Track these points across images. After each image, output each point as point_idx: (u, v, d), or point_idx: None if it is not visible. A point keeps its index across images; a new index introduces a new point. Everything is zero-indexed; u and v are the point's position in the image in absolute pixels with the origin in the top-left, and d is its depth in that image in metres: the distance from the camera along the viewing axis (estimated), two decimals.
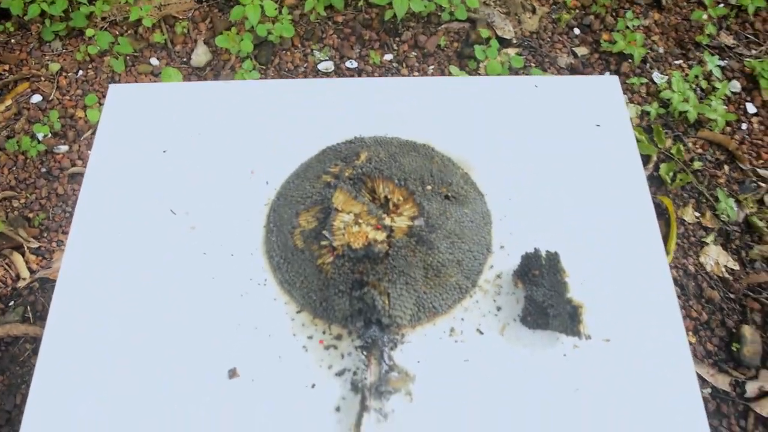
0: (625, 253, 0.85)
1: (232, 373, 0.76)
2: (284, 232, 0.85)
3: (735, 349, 1.34)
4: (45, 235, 1.44)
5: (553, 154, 0.95)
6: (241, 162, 0.95)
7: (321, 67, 1.78)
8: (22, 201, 1.50)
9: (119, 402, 0.74)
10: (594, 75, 1.79)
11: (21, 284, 1.36)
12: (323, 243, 0.80)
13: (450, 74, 1.75)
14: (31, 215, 1.47)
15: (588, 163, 0.94)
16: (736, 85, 1.81)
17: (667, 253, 1.45)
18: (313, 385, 0.76)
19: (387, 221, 0.81)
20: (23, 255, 1.40)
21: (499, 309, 0.81)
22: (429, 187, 0.86)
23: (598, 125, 0.99)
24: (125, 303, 0.82)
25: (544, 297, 0.76)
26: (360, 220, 0.80)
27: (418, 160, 0.90)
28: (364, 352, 0.76)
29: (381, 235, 0.78)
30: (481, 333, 0.79)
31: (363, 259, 0.77)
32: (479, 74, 1.76)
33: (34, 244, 1.42)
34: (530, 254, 0.80)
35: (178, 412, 0.74)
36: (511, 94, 1.02)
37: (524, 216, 0.89)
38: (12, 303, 1.34)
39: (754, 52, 1.89)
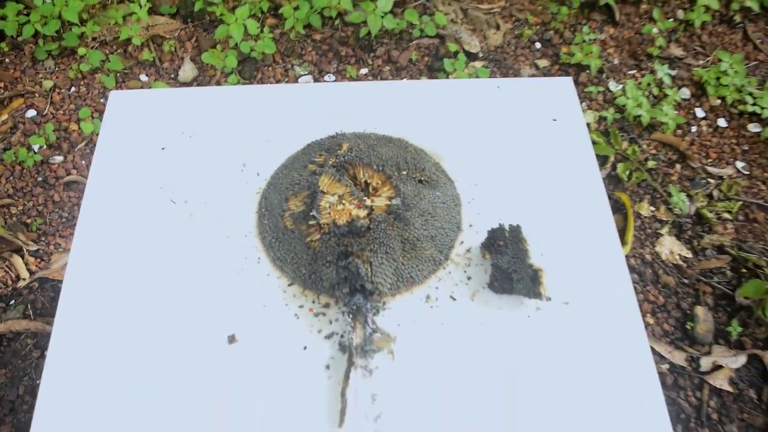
0: (579, 227, 0.94)
1: (232, 339, 0.83)
2: (275, 216, 0.92)
3: (689, 328, 1.43)
4: (43, 238, 1.50)
5: (515, 145, 1.04)
6: (234, 157, 1.02)
7: (301, 81, 1.87)
8: (20, 208, 1.55)
9: (131, 362, 0.81)
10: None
11: (21, 284, 1.41)
12: (311, 223, 0.88)
13: None
14: (29, 221, 1.52)
15: (546, 153, 1.03)
16: (685, 93, 1.93)
17: (625, 243, 1.55)
18: (305, 347, 0.83)
19: (368, 202, 0.89)
20: (22, 257, 1.45)
21: (469, 278, 0.89)
22: (404, 173, 0.94)
23: (554, 120, 1.08)
24: (133, 283, 0.88)
25: (509, 264, 0.85)
26: (343, 201, 0.88)
27: (394, 149, 0.98)
28: (350, 317, 0.83)
29: (363, 212, 0.87)
30: (454, 299, 0.87)
31: (347, 234, 0.85)
32: None
33: (33, 247, 1.47)
34: (495, 228, 0.89)
35: (185, 373, 0.81)
36: (476, 94, 1.12)
37: (490, 199, 0.97)
38: (13, 302, 1.39)
39: (701, 62, 2.02)
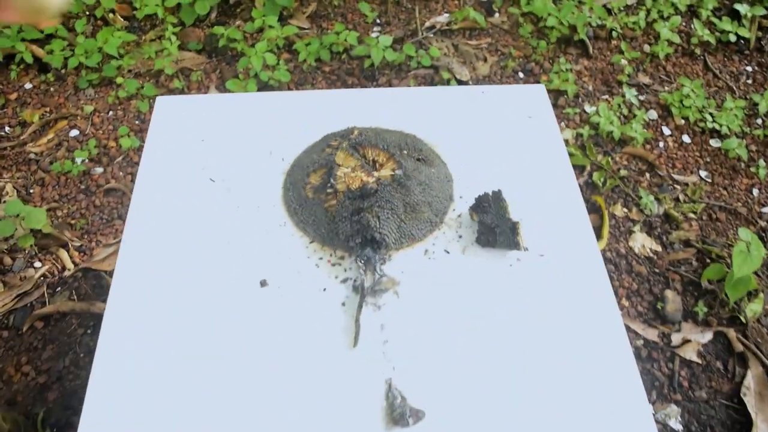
0: (551, 198, 1.08)
1: (263, 283, 0.96)
2: (298, 188, 1.07)
3: (660, 308, 1.56)
4: (86, 236, 1.64)
5: (497, 137, 1.19)
6: (262, 146, 1.17)
7: None
8: (65, 211, 1.70)
9: (182, 303, 0.94)
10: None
11: (66, 273, 1.54)
12: (329, 191, 1.02)
13: None
14: (73, 222, 1.67)
15: (523, 144, 1.18)
16: (653, 114, 2.10)
17: (601, 238, 1.69)
18: (324, 289, 0.96)
19: (375, 174, 1.03)
20: (68, 251, 1.59)
21: (460, 237, 1.03)
22: (405, 152, 1.09)
23: (529, 117, 1.23)
24: (182, 245, 1.02)
25: (492, 220, 0.99)
26: (356, 171, 1.02)
27: (397, 136, 1.13)
28: (362, 263, 0.97)
29: (372, 179, 1.01)
30: (448, 253, 1.01)
31: (359, 196, 1.00)
32: None
33: (77, 243, 1.61)
34: (481, 195, 1.03)
35: (226, 310, 0.94)
36: (464, 98, 1.27)
37: (477, 178, 1.12)
38: (59, 288, 1.52)
39: (666, 88, 2.19)
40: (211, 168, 1.13)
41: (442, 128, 1.20)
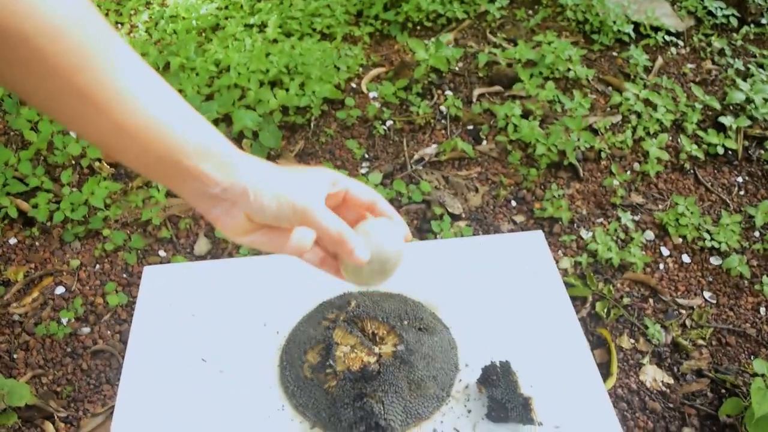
0: (561, 360, 1.06)
1: None
2: (295, 367, 1.04)
3: None
4: (72, 405, 1.59)
5: (498, 293, 1.18)
6: (256, 318, 1.16)
7: None
8: (50, 377, 1.65)
9: None
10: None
11: None
12: (328, 371, 1.00)
13: None
14: (59, 389, 1.62)
15: (525, 299, 1.17)
16: (650, 235, 2.12)
17: (611, 375, 1.65)
18: None
19: (376, 349, 1.02)
20: (53, 423, 1.53)
21: (469, 411, 1.00)
22: (406, 322, 1.08)
23: (532, 270, 1.23)
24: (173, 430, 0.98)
25: (502, 395, 0.96)
26: (355, 350, 1.00)
27: (395, 303, 1.12)
28: None
29: (373, 359, 0.99)
30: (458, 431, 0.98)
31: (360, 378, 0.97)
32: None
33: (63, 414, 1.55)
34: (488, 366, 1.01)
35: None
36: (463, 251, 1.28)
37: (481, 341, 1.10)
38: None
39: (660, 206, 2.23)
40: (203, 346, 1.10)
41: (440, 286, 1.19)
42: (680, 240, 2.10)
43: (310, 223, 0.74)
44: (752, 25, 3.09)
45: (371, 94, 2.61)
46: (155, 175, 0.69)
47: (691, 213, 2.14)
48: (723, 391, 1.64)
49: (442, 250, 1.27)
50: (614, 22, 2.93)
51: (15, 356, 1.72)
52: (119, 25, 3.09)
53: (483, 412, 0.99)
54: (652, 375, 1.68)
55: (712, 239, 2.08)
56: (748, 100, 2.62)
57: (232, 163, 0.70)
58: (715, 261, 2.04)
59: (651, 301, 1.89)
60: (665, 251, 2.06)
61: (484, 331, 1.11)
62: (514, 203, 2.21)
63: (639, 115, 2.53)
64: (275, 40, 2.79)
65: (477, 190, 2.22)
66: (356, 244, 0.75)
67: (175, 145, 0.65)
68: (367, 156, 2.36)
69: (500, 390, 0.96)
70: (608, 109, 2.59)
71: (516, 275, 1.21)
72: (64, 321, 1.80)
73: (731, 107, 2.63)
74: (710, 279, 1.99)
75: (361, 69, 2.72)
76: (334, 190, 0.78)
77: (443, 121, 2.51)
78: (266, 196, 0.71)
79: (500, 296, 1.17)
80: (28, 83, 0.57)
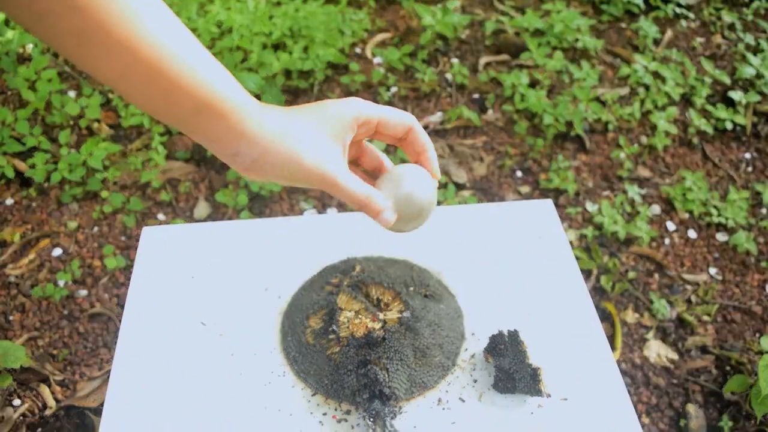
0: (570, 331, 1.03)
1: None
2: (297, 333, 1.01)
3: (683, 425, 1.48)
4: (68, 368, 1.56)
5: (506, 261, 1.15)
6: (257, 281, 1.12)
7: (306, 214, 2.01)
8: (47, 340, 1.62)
9: None
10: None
11: (48, 412, 1.46)
12: (331, 337, 0.97)
13: None
14: (55, 352, 1.59)
15: (534, 268, 1.13)
16: (656, 209, 2.08)
17: (615, 349, 1.63)
18: None
19: (381, 316, 0.98)
20: (49, 386, 1.51)
21: (475, 381, 0.97)
22: (411, 289, 1.04)
23: (540, 237, 1.20)
24: (170, 398, 0.95)
25: (510, 365, 0.93)
26: (360, 315, 0.97)
27: (401, 269, 1.09)
28: (371, 421, 0.90)
29: (377, 325, 0.96)
30: (463, 401, 0.95)
31: (364, 344, 0.94)
32: None
33: (59, 377, 1.53)
34: (496, 335, 0.98)
35: None
36: (469, 218, 1.24)
37: (489, 310, 1.07)
38: (40, 429, 1.43)
39: (667, 181, 2.19)
40: (202, 310, 1.07)
41: (447, 253, 1.16)
42: (687, 215, 2.06)
43: (331, 190, 0.72)
44: (763, 0, 3.01)
45: (376, 60, 2.55)
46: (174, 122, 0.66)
47: (699, 188, 2.10)
48: (728, 368, 1.62)
49: (450, 217, 1.24)
50: None
51: (11, 318, 1.69)
52: None
53: (489, 382, 0.96)
54: (657, 350, 1.65)
55: (719, 215, 2.04)
56: (759, 76, 2.57)
57: (237, 129, 0.66)
58: (721, 237, 2.01)
59: (656, 275, 1.86)
60: (671, 226, 2.03)
61: (491, 299, 1.08)
62: (519, 173, 2.17)
63: (647, 88, 2.48)
64: (279, 2, 2.72)
65: (482, 160, 2.18)
66: (383, 206, 0.74)
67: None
68: None
69: (508, 360, 0.94)
70: (616, 81, 2.54)
71: (525, 244, 1.18)
72: (61, 283, 1.77)
73: (741, 82, 2.58)
74: (716, 255, 1.96)
75: (366, 34, 2.66)
76: (362, 129, 0.76)
77: (449, 88, 2.45)
78: (276, 166, 0.68)
79: (508, 265, 1.14)
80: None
